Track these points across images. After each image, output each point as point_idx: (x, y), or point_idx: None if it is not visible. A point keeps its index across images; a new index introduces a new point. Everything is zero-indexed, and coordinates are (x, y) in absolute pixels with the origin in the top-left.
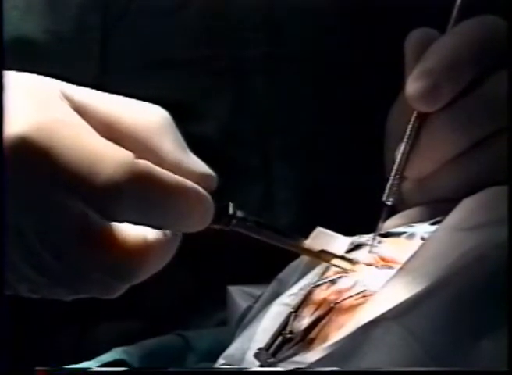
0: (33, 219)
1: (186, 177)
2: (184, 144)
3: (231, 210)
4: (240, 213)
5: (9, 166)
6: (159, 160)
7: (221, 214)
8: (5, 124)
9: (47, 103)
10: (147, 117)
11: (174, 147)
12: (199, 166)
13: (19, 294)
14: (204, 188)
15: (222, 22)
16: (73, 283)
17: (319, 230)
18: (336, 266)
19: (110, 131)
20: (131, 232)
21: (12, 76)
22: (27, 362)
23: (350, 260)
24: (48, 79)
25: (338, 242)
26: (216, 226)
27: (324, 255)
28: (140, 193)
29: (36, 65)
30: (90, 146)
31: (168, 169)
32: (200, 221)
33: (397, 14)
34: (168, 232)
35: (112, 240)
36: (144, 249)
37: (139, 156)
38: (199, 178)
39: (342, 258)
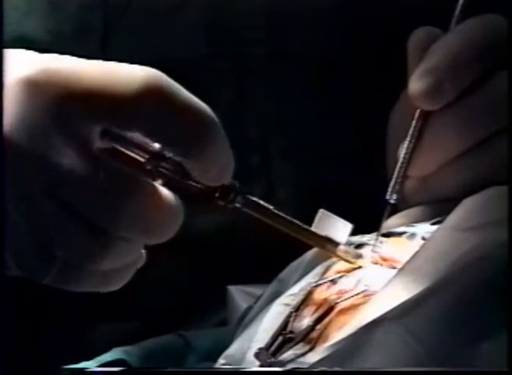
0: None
1: None
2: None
3: (237, 188)
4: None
5: (20, 104)
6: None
7: (226, 191)
8: (4, 123)
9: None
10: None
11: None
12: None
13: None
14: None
15: (222, 21)
16: (98, 248)
17: (322, 212)
18: (340, 257)
19: None
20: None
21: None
22: (27, 363)
23: (354, 253)
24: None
25: (341, 226)
26: (221, 203)
27: (329, 246)
28: (154, 103)
29: None
30: (102, 65)
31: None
32: (215, 153)
33: (400, 13)
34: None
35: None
36: (177, 207)
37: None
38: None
39: (346, 251)
